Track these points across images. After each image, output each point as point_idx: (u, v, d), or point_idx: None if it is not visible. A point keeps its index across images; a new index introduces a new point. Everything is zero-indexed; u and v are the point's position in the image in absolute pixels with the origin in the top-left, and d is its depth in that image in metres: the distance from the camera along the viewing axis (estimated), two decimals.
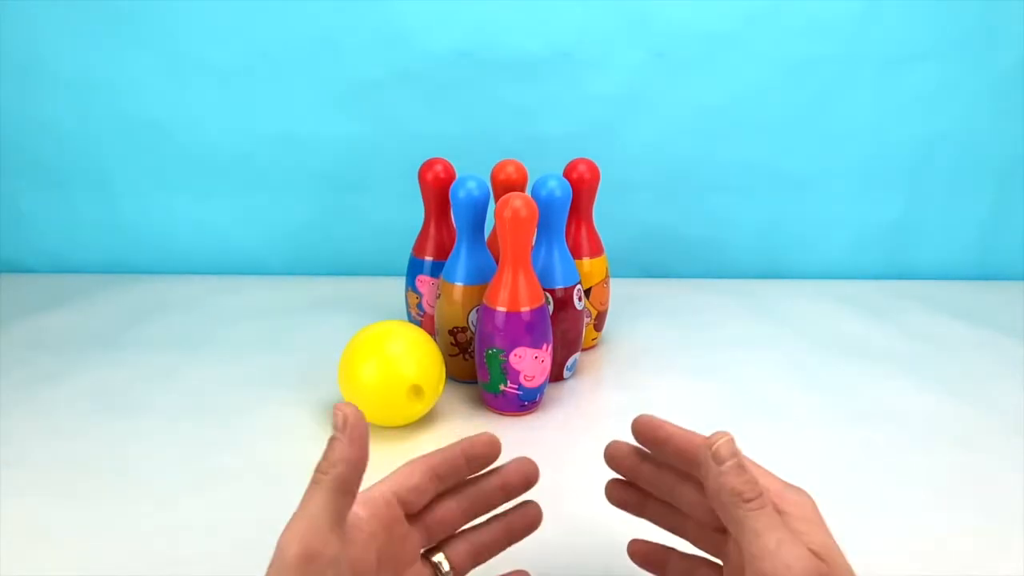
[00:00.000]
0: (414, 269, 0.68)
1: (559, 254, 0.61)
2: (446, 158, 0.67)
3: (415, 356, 0.54)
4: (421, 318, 0.69)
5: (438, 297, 0.62)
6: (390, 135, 0.88)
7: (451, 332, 0.61)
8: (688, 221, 0.93)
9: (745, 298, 0.86)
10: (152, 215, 0.92)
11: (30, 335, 0.73)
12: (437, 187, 0.66)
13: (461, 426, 0.57)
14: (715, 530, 0.33)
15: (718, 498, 0.29)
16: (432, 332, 0.64)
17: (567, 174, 0.66)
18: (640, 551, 0.37)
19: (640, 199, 0.91)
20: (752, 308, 0.83)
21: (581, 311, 0.63)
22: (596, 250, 0.68)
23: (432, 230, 0.67)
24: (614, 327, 0.76)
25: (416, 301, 0.69)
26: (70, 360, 0.67)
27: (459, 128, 0.87)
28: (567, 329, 0.62)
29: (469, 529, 0.35)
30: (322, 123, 0.88)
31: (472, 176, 0.59)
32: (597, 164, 0.66)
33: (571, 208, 0.64)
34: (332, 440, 0.29)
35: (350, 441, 0.28)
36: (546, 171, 0.61)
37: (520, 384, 0.57)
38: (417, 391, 0.54)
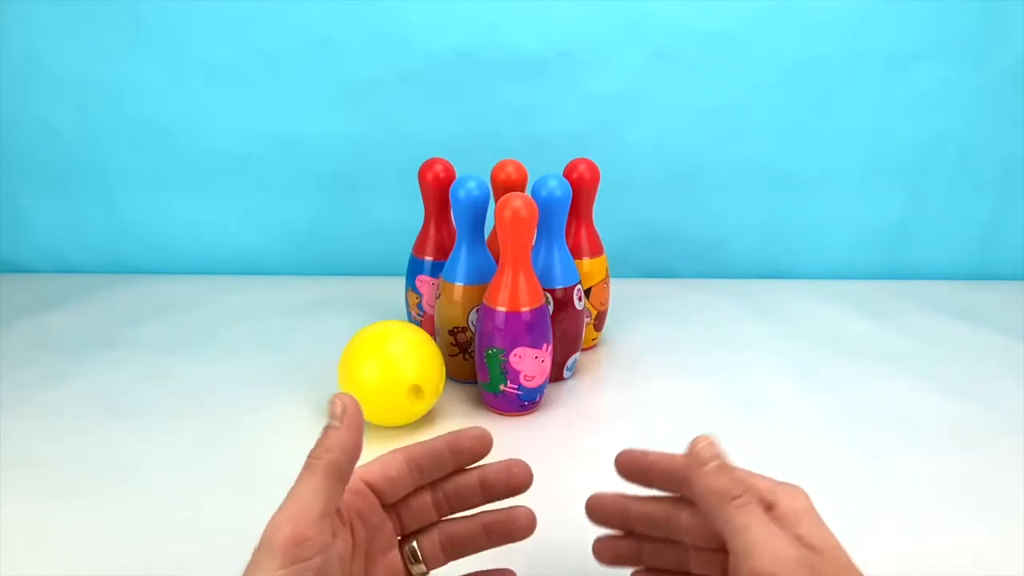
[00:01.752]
0: (414, 269, 0.68)
1: (559, 254, 0.61)
2: (446, 158, 0.67)
3: (415, 356, 0.54)
4: (421, 318, 0.69)
5: (438, 297, 0.62)
6: (390, 135, 0.88)
7: (451, 332, 0.61)
8: (688, 221, 0.93)
9: (745, 298, 0.86)
10: (152, 215, 0.92)
11: (30, 335, 0.73)
12: (437, 187, 0.66)
13: (461, 426, 0.56)
14: (717, 550, 0.31)
15: (705, 500, 0.28)
16: (432, 332, 0.64)
17: (567, 174, 0.66)
18: None
19: (640, 199, 0.91)
20: (752, 308, 0.83)
21: (581, 311, 0.63)
22: (596, 250, 0.68)
23: (432, 230, 0.67)
24: (614, 327, 0.76)
25: (416, 301, 0.69)
26: (70, 360, 0.67)
27: (459, 128, 0.87)
28: (567, 329, 0.62)
29: (446, 521, 0.34)
30: (322, 123, 0.88)
31: (472, 176, 0.59)
32: (597, 164, 0.66)
33: (571, 208, 0.64)
34: (328, 428, 0.28)
35: (346, 429, 0.28)
36: (546, 171, 0.61)
37: (520, 384, 0.57)
38: (417, 391, 0.54)
